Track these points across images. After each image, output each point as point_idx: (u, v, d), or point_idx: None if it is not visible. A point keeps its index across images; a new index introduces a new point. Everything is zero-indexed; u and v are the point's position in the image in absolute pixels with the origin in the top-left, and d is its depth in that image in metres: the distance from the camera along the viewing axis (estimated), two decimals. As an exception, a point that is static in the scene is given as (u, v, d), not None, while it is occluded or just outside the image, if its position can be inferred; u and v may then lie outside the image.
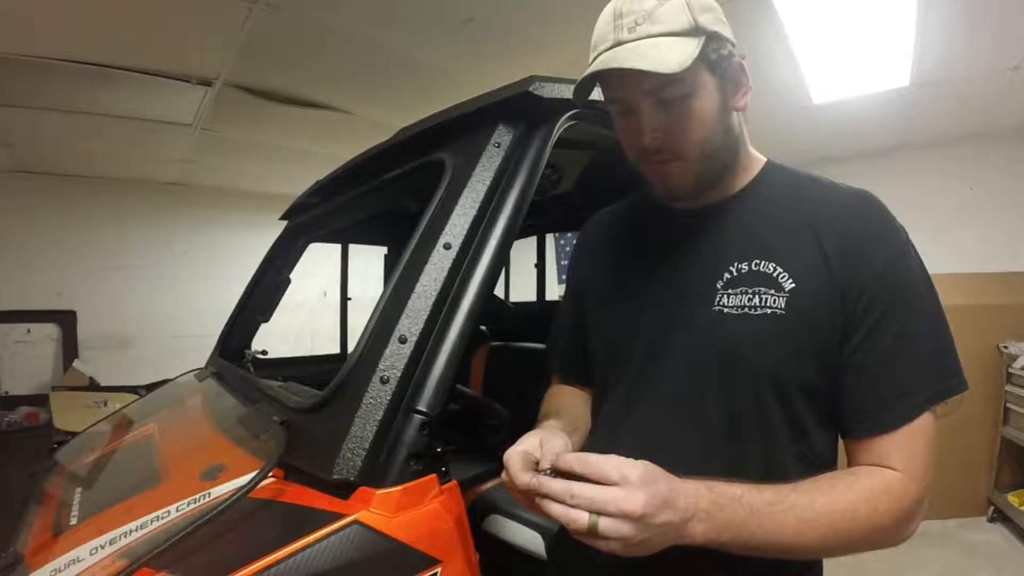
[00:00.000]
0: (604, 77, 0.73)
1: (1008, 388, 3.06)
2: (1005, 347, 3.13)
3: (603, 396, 0.91)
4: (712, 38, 0.71)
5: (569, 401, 0.99)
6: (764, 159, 0.86)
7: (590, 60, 0.74)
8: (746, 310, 0.74)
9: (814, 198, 0.78)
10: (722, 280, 0.77)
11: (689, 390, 0.78)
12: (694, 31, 0.70)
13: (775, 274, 0.74)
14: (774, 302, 0.73)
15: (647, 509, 0.57)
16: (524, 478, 0.64)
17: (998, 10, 2.56)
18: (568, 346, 1.03)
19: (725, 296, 0.76)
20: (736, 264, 0.77)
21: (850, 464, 0.73)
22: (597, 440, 0.89)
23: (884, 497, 0.67)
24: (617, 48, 0.71)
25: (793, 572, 0.77)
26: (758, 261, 0.76)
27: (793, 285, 0.73)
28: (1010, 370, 3.06)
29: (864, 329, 0.70)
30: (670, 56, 0.67)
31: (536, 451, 0.70)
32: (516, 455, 0.68)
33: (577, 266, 1.04)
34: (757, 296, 0.74)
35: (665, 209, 0.86)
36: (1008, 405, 3.07)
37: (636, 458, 0.69)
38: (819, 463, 0.75)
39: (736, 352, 0.74)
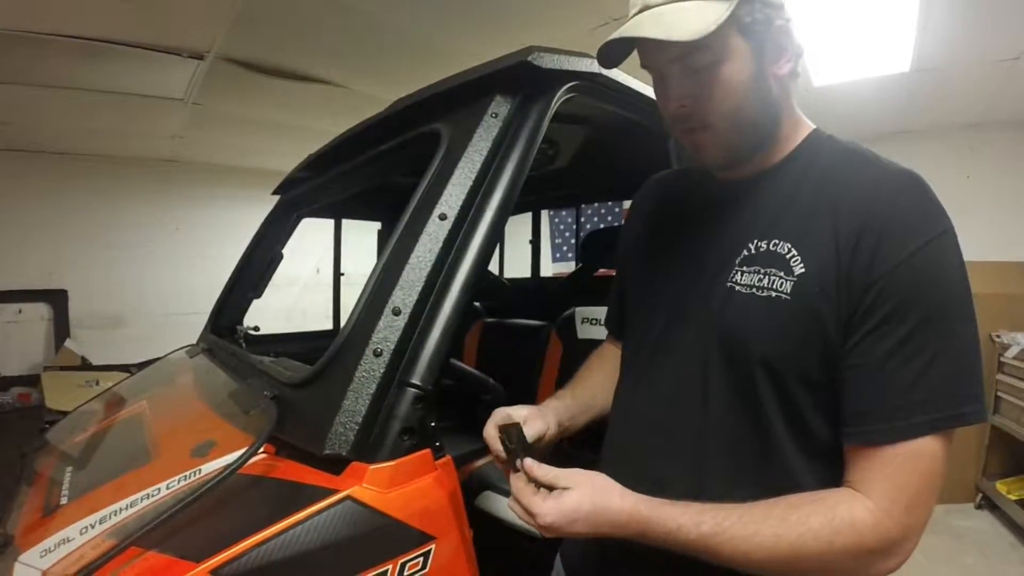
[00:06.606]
0: (637, 41, 0.70)
1: (999, 377, 3.08)
2: (997, 336, 3.14)
3: (627, 360, 0.91)
4: (746, 0, 0.67)
5: (598, 365, 1.04)
6: (811, 127, 0.79)
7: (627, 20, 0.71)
8: (754, 290, 0.71)
9: (847, 175, 0.71)
10: (740, 256, 0.74)
11: (698, 365, 0.76)
12: None
13: (788, 256, 0.69)
14: (781, 286, 0.69)
15: (555, 524, 0.73)
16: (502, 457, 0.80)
17: (1001, 1, 2.56)
18: (615, 303, 1.04)
19: (739, 273, 0.73)
20: (756, 241, 0.73)
21: (844, 471, 0.67)
22: (614, 412, 0.90)
23: (844, 531, 0.61)
24: (644, 12, 0.68)
25: None
26: (777, 240, 0.71)
27: (803, 270, 0.67)
28: (1002, 359, 3.08)
29: (867, 327, 0.63)
30: (688, 23, 0.64)
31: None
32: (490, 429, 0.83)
33: (628, 227, 1.02)
34: (767, 277, 0.70)
35: (706, 179, 0.84)
36: (999, 394, 3.09)
37: (643, 435, 0.81)
38: (823, 455, 0.69)
39: (737, 332, 0.71)
